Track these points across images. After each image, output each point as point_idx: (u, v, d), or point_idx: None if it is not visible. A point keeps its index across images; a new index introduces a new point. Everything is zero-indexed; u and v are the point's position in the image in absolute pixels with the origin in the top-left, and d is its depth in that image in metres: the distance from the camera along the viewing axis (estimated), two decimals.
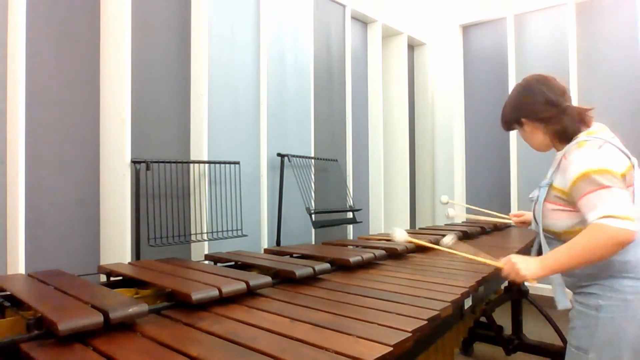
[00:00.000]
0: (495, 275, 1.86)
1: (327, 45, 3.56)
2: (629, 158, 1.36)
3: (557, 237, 1.45)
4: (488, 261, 1.51)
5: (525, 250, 2.52)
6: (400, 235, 1.62)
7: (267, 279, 1.47)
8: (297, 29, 3.25)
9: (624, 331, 1.31)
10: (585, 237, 1.26)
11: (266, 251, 2.43)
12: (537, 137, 1.51)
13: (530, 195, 1.59)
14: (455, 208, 2.23)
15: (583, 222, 1.32)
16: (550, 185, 1.43)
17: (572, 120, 1.45)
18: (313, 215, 2.91)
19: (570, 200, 1.37)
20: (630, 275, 1.33)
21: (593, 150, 1.34)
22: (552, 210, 1.42)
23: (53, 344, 0.95)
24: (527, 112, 1.49)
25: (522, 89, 1.55)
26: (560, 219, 1.41)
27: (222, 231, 2.52)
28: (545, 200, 1.44)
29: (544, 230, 1.47)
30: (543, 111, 1.46)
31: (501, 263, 1.42)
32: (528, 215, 1.91)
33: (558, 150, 1.47)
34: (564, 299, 1.48)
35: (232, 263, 1.95)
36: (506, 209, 4.06)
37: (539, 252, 1.51)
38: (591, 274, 1.37)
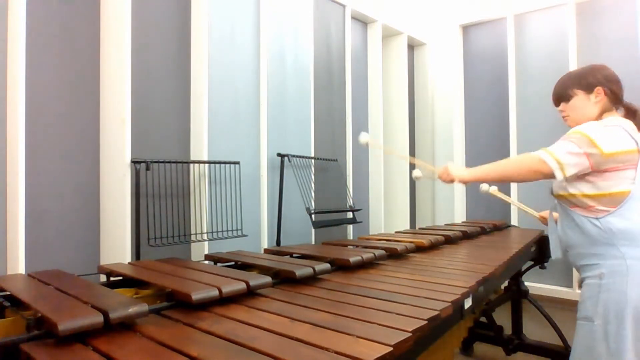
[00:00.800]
0: (495, 275, 1.87)
1: (327, 45, 3.56)
2: (637, 144, 1.46)
3: (569, 203, 1.57)
4: (428, 166, 1.84)
5: (526, 251, 2.53)
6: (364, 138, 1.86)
7: (267, 279, 1.47)
8: (297, 29, 3.25)
9: (625, 294, 1.39)
10: (514, 158, 1.59)
11: (266, 251, 2.43)
12: (593, 109, 1.58)
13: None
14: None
15: (595, 187, 1.47)
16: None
17: (629, 110, 1.59)
18: (313, 215, 2.91)
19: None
20: (629, 242, 1.43)
21: (597, 125, 1.48)
22: (576, 178, 1.53)
23: (53, 344, 0.95)
24: (611, 85, 1.59)
25: (602, 65, 1.66)
26: (584, 182, 1.51)
27: (222, 231, 2.52)
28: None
29: (557, 197, 1.61)
30: (620, 89, 1.61)
31: (438, 170, 1.72)
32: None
33: None
34: (556, 249, 1.68)
35: (232, 263, 1.95)
36: (506, 208, 4.06)
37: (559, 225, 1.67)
38: (593, 243, 1.49)
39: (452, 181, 1.73)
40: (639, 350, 1.38)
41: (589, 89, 1.60)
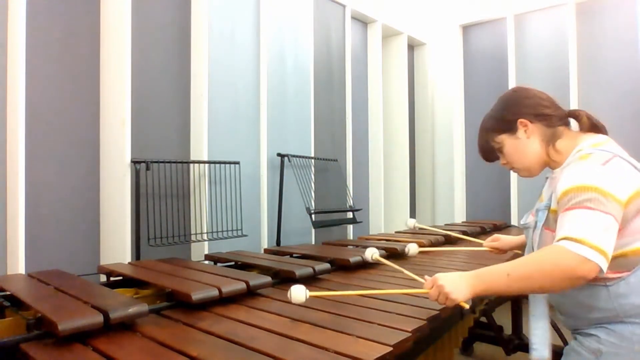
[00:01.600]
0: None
1: (327, 45, 3.56)
2: None
3: None
4: (411, 291, 1.29)
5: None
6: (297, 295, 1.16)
7: (267, 279, 1.47)
8: (297, 29, 3.25)
9: None
10: (535, 259, 1.04)
11: (266, 251, 2.43)
12: (533, 145, 1.23)
13: (522, 222, 1.33)
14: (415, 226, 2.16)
15: None
16: (549, 209, 1.18)
17: (589, 118, 1.22)
18: (313, 215, 2.91)
19: None
20: None
21: (594, 165, 1.09)
22: (552, 239, 1.09)
23: (53, 344, 0.95)
24: (529, 109, 1.23)
25: (516, 90, 1.32)
26: None
27: (222, 231, 2.52)
28: (544, 227, 1.19)
29: None
30: (547, 107, 1.23)
31: (426, 287, 1.13)
32: (504, 240, 1.69)
33: (554, 167, 1.24)
34: (542, 348, 1.25)
35: (232, 263, 1.95)
36: (506, 208, 4.06)
37: None
38: (597, 317, 1.15)
39: (453, 305, 1.12)
40: None
41: (509, 129, 1.25)
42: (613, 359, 1.11)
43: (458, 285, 1.08)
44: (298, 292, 1.13)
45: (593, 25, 3.76)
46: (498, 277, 1.06)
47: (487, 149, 1.33)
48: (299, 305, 1.20)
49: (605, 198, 1.02)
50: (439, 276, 1.10)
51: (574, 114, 1.25)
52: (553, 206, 1.15)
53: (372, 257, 1.72)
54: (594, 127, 1.22)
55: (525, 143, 1.24)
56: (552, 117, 1.23)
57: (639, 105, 3.56)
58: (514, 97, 1.28)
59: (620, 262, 1.07)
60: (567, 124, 1.25)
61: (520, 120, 1.23)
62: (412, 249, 1.90)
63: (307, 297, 1.14)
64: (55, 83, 2.11)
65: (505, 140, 1.27)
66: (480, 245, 1.77)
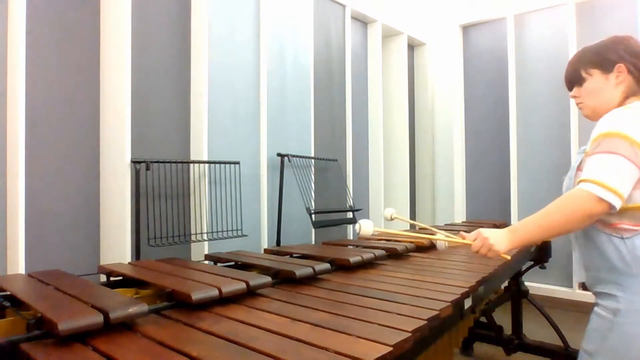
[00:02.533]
0: (496, 275, 1.86)
1: (327, 45, 3.56)
2: None
3: None
4: (453, 238, 1.42)
5: (526, 250, 2.52)
6: (367, 228, 1.46)
7: (267, 279, 1.47)
8: (297, 29, 3.25)
9: (636, 339, 1.16)
10: (559, 204, 1.15)
11: (266, 251, 2.43)
12: (614, 92, 1.27)
13: (563, 177, 1.43)
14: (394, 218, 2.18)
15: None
16: (585, 152, 1.25)
17: None
18: (313, 215, 2.91)
19: None
20: None
21: (630, 116, 1.16)
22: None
23: (53, 344, 0.95)
24: (634, 60, 1.25)
25: (632, 38, 1.32)
26: None
27: (222, 231, 2.52)
28: (577, 167, 1.28)
29: None
30: None
31: (469, 239, 1.29)
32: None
33: None
34: (580, 270, 1.36)
35: (232, 263, 1.95)
36: (506, 208, 4.06)
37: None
38: (614, 270, 1.21)
39: (495, 256, 1.27)
40: None
41: (607, 67, 1.28)
42: (630, 314, 1.17)
43: (501, 238, 1.21)
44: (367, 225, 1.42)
45: (593, 25, 3.76)
46: (532, 229, 1.18)
47: (573, 76, 1.37)
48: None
49: (631, 146, 1.10)
50: (482, 230, 1.23)
51: None
52: (588, 149, 1.22)
53: (391, 217, 1.89)
54: None
55: (610, 87, 1.28)
56: None
57: None
58: (628, 43, 1.29)
59: (638, 214, 1.14)
60: None
61: (619, 64, 1.26)
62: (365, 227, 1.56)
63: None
64: (55, 83, 2.11)
65: (594, 75, 1.31)
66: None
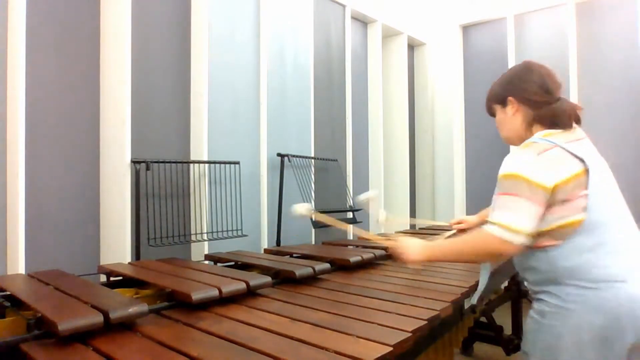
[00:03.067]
0: (496, 275, 1.86)
1: (327, 45, 3.56)
2: (584, 162, 1.25)
3: None
4: (376, 238, 1.64)
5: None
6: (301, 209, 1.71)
7: (267, 279, 1.47)
8: (297, 28, 3.25)
9: (562, 340, 1.23)
10: (469, 238, 1.32)
11: (266, 251, 2.43)
12: (515, 122, 1.40)
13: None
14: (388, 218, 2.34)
15: (542, 222, 1.27)
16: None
17: (563, 112, 1.34)
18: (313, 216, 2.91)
19: None
20: (575, 283, 1.24)
21: (529, 155, 1.26)
22: None
23: (53, 344, 0.95)
24: (519, 90, 1.38)
25: (521, 67, 1.44)
26: None
27: (222, 231, 2.52)
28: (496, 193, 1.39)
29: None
30: (536, 94, 1.36)
31: (389, 243, 1.50)
32: (468, 221, 2.03)
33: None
34: (475, 294, 1.54)
35: (232, 263, 1.95)
36: None
37: None
38: (541, 279, 1.32)
39: (404, 263, 1.48)
40: None
41: (502, 102, 1.42)
42: (554, 318, 1.27)
43: (411, 249, 1.43)
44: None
45: (593, 25, 3.76)
46: (440, 250, 1.40)
47: (488, 110, 1.53)
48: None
49: (529, 186, 1.22)
50: (402, 239, 1.46)
51: (559, 101, 1.36)
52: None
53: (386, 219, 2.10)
54: (555, 118, 1.34)
55: (509, 118, 1.41)
56: (538, 103, 1.35)
57: (639, 105, 3.56)
58: (514, 75, 1.43)
59: (556, 233, 1.25)
60: (552, 110, 1.36)
61: (509, 98, 1.40)
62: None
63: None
64: (55, 83, 2.11)
65: (497, 110, 1.46)
66: (450, 228, 2.07)
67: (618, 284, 1.21)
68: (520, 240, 1.21)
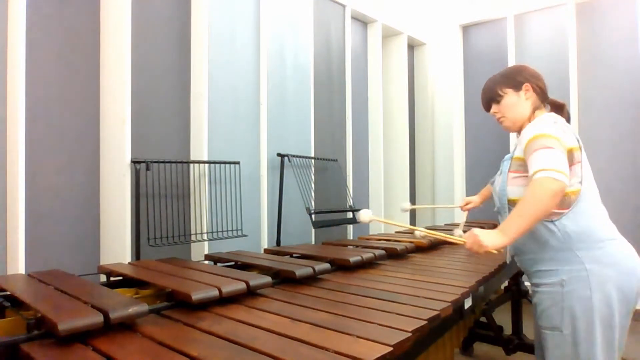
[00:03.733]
0: (496, 275, 1.87)
1: (327, 45, 3.56)
2: (578, 141, 1.45)
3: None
4: (449, 238, 1.59)
5: None
6: (365, 215, 1.78)
7: (267, 279, 1.47)
8: (297, 28, 3.25)
9: (590, 300, 1.36)
10: (529, 193, 1.34)
11: (266, 251, 2.43)
12: (525, 107, 1.56)
13: (490, 180, 1.70)
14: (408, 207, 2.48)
15: None
16: (512, 157, 1.52)
17: (562, 106, 1.60)
18: (313, 215, 2.90)
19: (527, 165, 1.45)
20: (584, 245, 1.39)
21: (548, 123, 1.44)
22: (513, 179, 1.50)
23: (53, 344, 0.95)
24: (536, 80, 1.57)
25: (524, 65, 1.65)
26: (521, 185, 1.47)
27: (222, 231, 2.52)
28: (509, 170, 1.52)
29: (509, 201, 1.52)
30: (545, 87, 1.59)
31: (463, 239, 1.47)
32: (474, 199, 2.13)
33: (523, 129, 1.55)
34: (506, 254, 1.64)
35: (232, 263, 1.95)
36: None
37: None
38: (548, 248, 1.43)
39: (485, 252, 1.42)
40: (609, 355, 1.37)
41: (517, 86, 1.57)
42: (575, 282, 1.38)
43: (489, 236, 1.38)
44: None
45: (593, 25, 3.76)
46: (515, 221, 1.35)
47: (489, 97, 1.63)
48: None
49: (557, 141, 1.37)
50: (474, 229, 1.42)
51: (554, 102, 1.63)
52: (517, 154, 1.49)
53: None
54: (555, 106, 1.61)
55: (521, 102, 1.57)
56: (543, 94, 1.59)
57: (639, 105, 3.56)
58: (526, 68, 1.61)
59: (562, 201, 1.37)
60: (546, 105, 1.61)
61: (526, 84, 1.56)
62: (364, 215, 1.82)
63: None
64: (55, 83, 2.11)
65: (508, 94, 1.58)
66: (459, 208, 2.19)
67: (614, 240, 1.42)
68: (565, 178, 1.31)
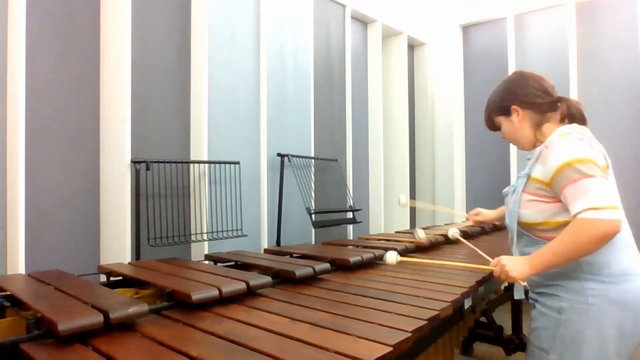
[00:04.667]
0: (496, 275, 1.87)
1: (327, 45, 3.56)
2: (605, 158, 1.35)
3: (528, 229, 1.42)
4: (479, 266, 1.51)
5: None
6: (422, 235, 1.92)
7: (267, 279, 1.47)
8: (297, 28, 3.25)
9: (584, 334, 1.29)
10: (571, 233, 1.24)
11: (266, 251, 2.43)
12: (524, 129, 1.45)
13: (504, 190, 1.56)
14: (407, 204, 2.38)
15: (558, 214, 1.33)
16: (529, 176, 1.39)
17: (569, 107, 1.42)
18: (313, 215, 2.90)
19: (550, 191, 1.34)
20: (594, 278, 1.30)
21: (575, 141, 1.30)
22: (527, 201, 1.39)
23: (53, 344, 0.95)
24: (522, 98, 1.44)
25: (515, 77, 1.52)
26: (536, 211, 1.37)
27: (222, 231, 2.52)
28: (523, 190, 1.40)
29: (524, 225, 1.43)
30: (538, 97, 1.43)
31: (491, 266, 1.39)
32: (485, 214, 1.94)
33: (539, 144, 1.43)
34: (519, 290, 1.47)
35: (232, 263, 1.95)
36: None
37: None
38: (556, 273, 1.35)
39: (512, 281, 1.38)
40: None
41: (506, 112, 1.48)
42: (573, 313, 1.31)
43: (517, 265, 1.32)
44: (391, 256, 1.54)
45: (593, 25, 3.76)
46: (547, 257, 1.28)
47: (489, 125, 1.58)
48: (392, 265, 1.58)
49: (596, 165, 1.25)
50: (503, 257, 1.35)
51: (560, 101, 1.45)
52: (535, 174, 1.37)
53: (452, 236, 2.02)
54: (572, 116, 1.42)
55: (517, 126, 1.47)
56: (541, 104, 1.43)
57: (639, 105, 3.56)
58: (512, 85, 1.49)
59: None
60: (557, 109, 1.44)
61: (513, 107, 1.46)
62: (390, 258, 1.59)
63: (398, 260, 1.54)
64: (55, 83, 2.11)
65: (502, 122, 1.51)
66: (466, 219, 2.02)
67: (632, 277, 1.29)
68: (618, 214, 1.20)
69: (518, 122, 1.46)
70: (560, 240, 1.26)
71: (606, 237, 1.20)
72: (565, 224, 1.28)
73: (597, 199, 1.21)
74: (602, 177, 1.24)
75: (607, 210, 1.19)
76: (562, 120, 1.43)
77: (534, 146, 1.45)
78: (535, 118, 1.44)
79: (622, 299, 1.28)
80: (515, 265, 1.32)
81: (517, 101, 1.45)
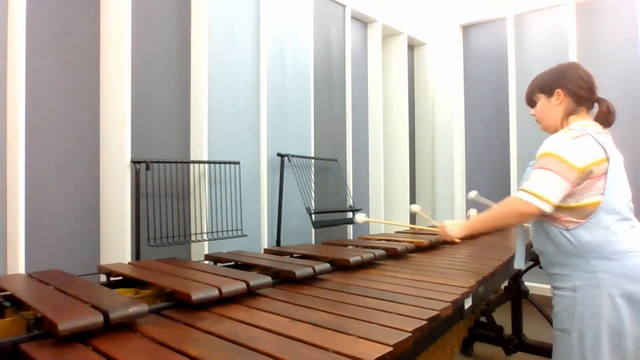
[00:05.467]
0: (496, 275, 1.87)
1: (327, 45, 3.56)
2: (606, 152, 1.44)
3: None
4: (428, 228, 1.78)
5: (526, 250, 2.52)
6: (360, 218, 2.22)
7: (267, 279, 1.47)
8: (297, 28, 3.25)
9: (600, 308, 1.39)
10: (498, 207, 1.53)
11: (266, 251, 2.43)
12: (556, 112, 1.56)
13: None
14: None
15: (566, 200, 1.44)
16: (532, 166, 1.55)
17: (609, 113, 1.52)
18: (313, 215, 2.90)
19: None
20: (598, 255, 1.42)
21: (566, 138, 1.45)
22: None
23: (53, 344, 0.95)
24: (569, 85, 1.54)
25: (571, 65, 1.62)
26: None
27: (222, 231, 2.52)
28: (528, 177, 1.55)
29: None
30: (582, 89, 1.54)
31: (437, 229, 1.77)
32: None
33: (560, 130, 1.54)
34: (520, 260, 1.74)
35: (232, 263, 1.95)
36: None
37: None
38: (568, 256, 1.47)
39: (450, 239, 1.78)
40: None
41: (549, 92, 1.57)
42: (587, 289, 1.42)
43: (453, 228, 1.72)
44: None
45: (593, 25, 3.76)
46: (475, 222, 1.65)
47: (528, 98, 1.68)
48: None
49: (562, 163, 1.40)
50: (444, 221, 1.75)
51: (598, 101, 1.56)
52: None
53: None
54: (603, 117, 1.53)
55: (553, 108, 1.57)
56: (581, 98, 1.54)
57: (639, 105, 3.56)
58: (565, 70, 1.58)
59: (579, 211, 1.44)
60: (591, 107, 1.57)
61: (558, 89, 1.56)
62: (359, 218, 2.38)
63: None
64: (55, 83, 2.11)
65: (541, 99, 1.61)
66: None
67: (635, 253, 1.41)
68: (543, 206, 1.40)
69: (556, 104, 1.56)
70: (490, 210, 1.55)
71: (521, 215, 1.46)
72: (569, 208, 1.45)
73: (534, 185, 1.42)
74: (557, 174, 1.39)
75: (534, 197, 1.40)
76: (584, 117, 1.54)
77: (555, 131, 1.55)
78: (571, 107, 1.54)
79: (629, 274, 1.39)
80: (452, 228, 1.71)
81: (563, 86, 1.54)
